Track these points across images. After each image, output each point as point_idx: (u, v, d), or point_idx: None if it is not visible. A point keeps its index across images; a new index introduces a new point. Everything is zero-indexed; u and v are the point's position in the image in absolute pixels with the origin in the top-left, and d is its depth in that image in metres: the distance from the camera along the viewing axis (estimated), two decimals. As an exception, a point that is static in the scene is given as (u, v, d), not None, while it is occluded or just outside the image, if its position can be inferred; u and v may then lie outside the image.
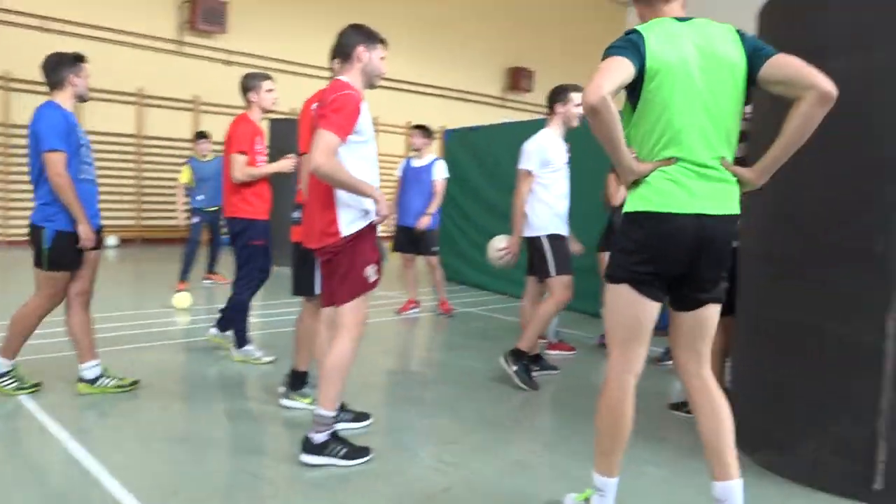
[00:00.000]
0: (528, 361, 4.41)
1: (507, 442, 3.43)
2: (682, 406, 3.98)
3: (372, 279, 3.11)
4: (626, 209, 2.30)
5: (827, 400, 2.95)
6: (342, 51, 3.10)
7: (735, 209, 2.28)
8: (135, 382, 3.99)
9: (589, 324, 6.45)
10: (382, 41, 3.15)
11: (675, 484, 3.00)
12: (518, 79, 17.79)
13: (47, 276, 3.72)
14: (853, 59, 2.83)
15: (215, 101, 12.97)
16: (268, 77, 4.71)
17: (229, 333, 4.79)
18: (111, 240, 11.75)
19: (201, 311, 6.46)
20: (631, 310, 2.29)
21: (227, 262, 7.39)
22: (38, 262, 3.73)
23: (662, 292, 2.32)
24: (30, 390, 3.79)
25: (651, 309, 2.31)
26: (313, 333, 3.72)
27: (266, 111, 4.69)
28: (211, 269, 8.18)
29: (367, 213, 3.06)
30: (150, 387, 4.02)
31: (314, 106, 3.22)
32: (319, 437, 3.03)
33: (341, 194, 3.01)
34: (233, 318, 4.71)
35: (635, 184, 2.29)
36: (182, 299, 6.50)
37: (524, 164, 4.44)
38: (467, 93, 17.09)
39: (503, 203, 6.92)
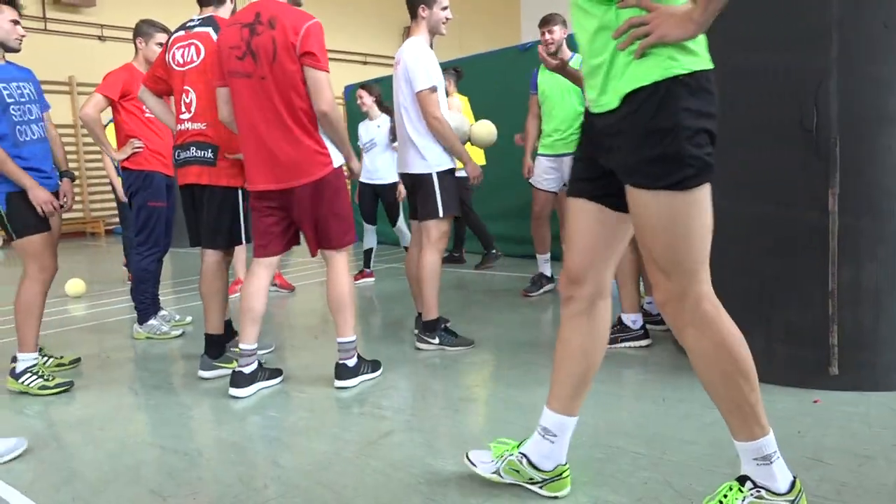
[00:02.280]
0: (442, 324, 3.75)
1: (448, 381, 3.17)
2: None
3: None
4: (688, 69, 1.60)
5: (772, 288, 2.82)
6: None
7: None
8: (74, 361, 3.71)
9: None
10: None
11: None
12: (416, 37, 17.35)
13: (23, 246, 3.22)
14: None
15: (94, 81, 11.96)
16: (164, 30, 4.20)
17: (154, 322, 4.26)
18: (-5, 241, 10.72)
19: (103, 295, 5.88)
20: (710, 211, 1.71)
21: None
22: (8, 234, 3.24)
23: None
24: (55, 390, 3.21)
25: None
26: (221, 290, 3.38)
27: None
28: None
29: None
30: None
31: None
32: (353, 361, 3.16)
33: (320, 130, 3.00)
34: (138, 291, 4.20)
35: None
36: (75, 285, 5.88)
37: (424, 81, 3.50)
38: (366, 55, 16.54)
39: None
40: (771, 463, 1.74)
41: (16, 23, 3.26)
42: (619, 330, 3.55)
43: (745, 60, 2.78)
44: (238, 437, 2.61)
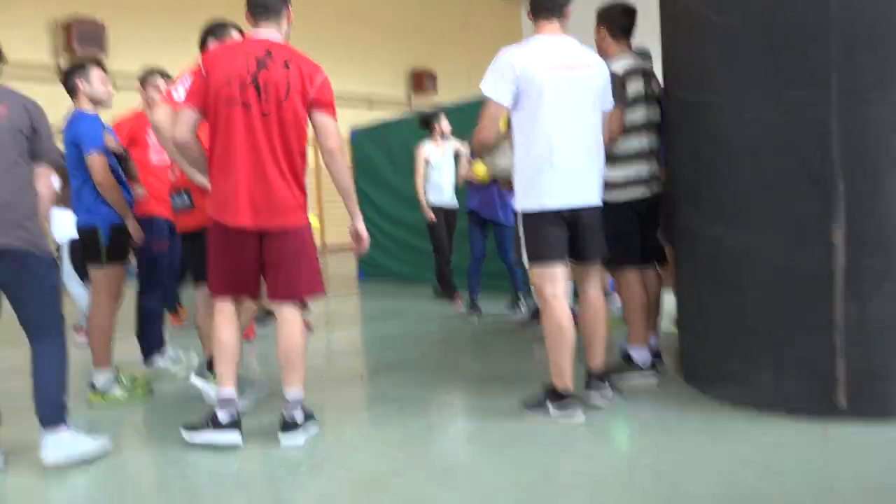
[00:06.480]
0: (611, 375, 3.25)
1: (455, 416, 3.16)
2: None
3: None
4: None
5: (781, 323, 2.82)
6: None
7: None
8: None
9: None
10: None
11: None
12: (422, 80, 17.62)
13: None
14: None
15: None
16: (163, 74, 4.23)
17: (160, 361, 4.29)
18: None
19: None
20: None
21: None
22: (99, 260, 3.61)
23: None
24: (143, 399, 3.67)
25: None
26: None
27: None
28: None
29: None
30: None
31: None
32: (300, 415, 2.92)
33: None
34: (145, 330, 4.26)
35: None
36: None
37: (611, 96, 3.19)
38: (373, 97, 16.80)
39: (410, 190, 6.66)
40: None
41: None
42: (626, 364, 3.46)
43: (747, 96, 2.83)
44: (243, 475, 2.60)
